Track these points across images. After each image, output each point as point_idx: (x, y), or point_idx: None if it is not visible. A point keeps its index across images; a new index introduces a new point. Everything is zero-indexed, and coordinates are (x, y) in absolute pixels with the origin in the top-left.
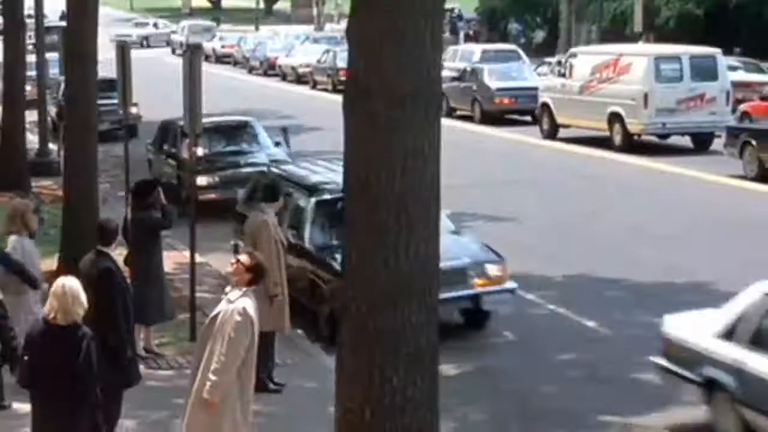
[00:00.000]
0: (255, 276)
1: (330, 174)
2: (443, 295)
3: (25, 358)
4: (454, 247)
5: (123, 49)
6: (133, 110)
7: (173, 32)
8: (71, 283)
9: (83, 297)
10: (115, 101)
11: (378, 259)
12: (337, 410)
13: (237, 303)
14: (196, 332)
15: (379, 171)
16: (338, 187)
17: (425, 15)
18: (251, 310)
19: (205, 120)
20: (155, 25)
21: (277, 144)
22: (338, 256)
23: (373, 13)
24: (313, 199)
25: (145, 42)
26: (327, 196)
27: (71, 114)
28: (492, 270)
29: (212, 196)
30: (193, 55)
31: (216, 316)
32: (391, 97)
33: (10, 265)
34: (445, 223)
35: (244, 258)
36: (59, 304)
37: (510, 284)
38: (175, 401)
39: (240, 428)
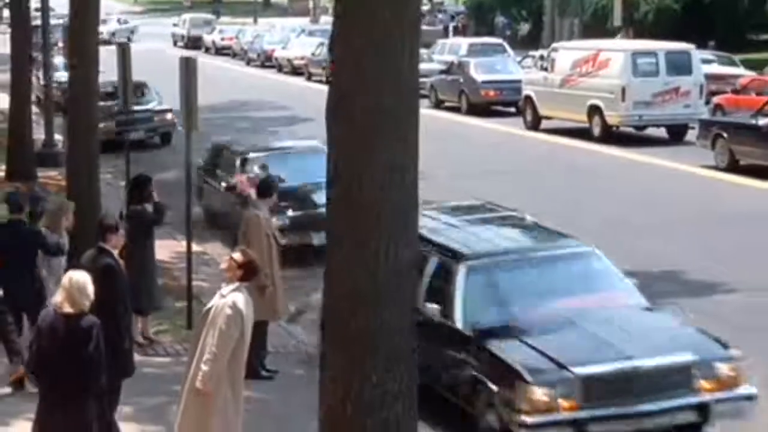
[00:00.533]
0: (246, 272)
1: (474, 230)
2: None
3: (34, 345)
4: (660, 334)
5: (124, 50)
6: (168, 116)
7: (175, 25)
8: (78, 276)
9: (90, 289)
10: (149, 107)
11: (360, 264)
12: (321, 405)
13: (228, 298)
14: (193, 320)
15: (360, 179)
16: (497, 249)
17: (403, 31)
18: (242, 304)
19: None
20: (119, 21)
21: None
22: (510, 343)
23: (354, 30)
24: (463, 265)
25: (112, 38)
26: (485, 261)
27: (73, 112)
28: (722, 369)
29: (282, 242)
30: (188, 59)
31: (210, 309)
32: (371, 109)
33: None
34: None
35: (236, 255)
36: (67, 295)
37: (746, 388)
38: (172, 387)
39: (231, 415)
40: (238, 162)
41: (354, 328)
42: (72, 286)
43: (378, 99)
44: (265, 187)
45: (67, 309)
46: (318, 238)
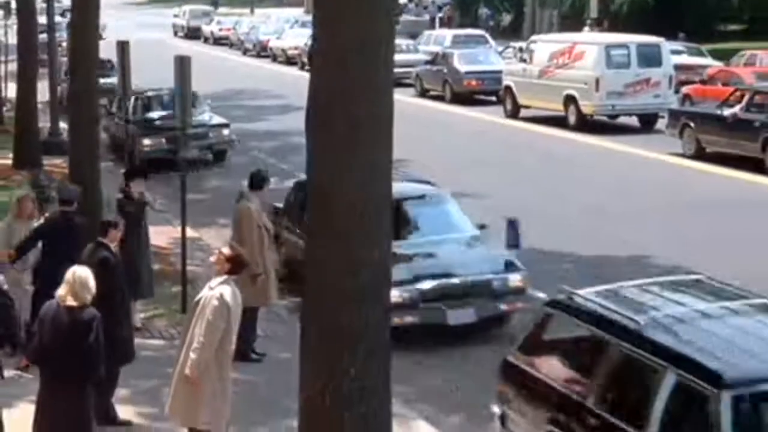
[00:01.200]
0: (234, 266)
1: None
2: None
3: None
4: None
5: (123, 48)
6: (225, 132)
7: (175, 16)
8: (80, 271)
9: (91, 283)
10: (203, 120)
11: (339, 264)
12: (301, 397)
13: (216, 290)
14: (188, 304)
15: (339, 184)
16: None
17: (379, 43)
18: (228, 297)
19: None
20: (62, 14)
21: (514, 246)
22: None
23: (331, 41)
24: (728, 395)
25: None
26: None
27: (75, 106)
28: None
29: (409, 319)
30: (183, 59)
31: (199, 300)
32: (348, 117)
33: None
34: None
35: (225, 250)
36: (70, 288)
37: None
38: (166, 370)
39: (218, 399)
40: None
41: (334, 325)
42: (75, 281)
43: (356, 107)
44: (259, 180)
45: (70, 302)
46: (454, 317)
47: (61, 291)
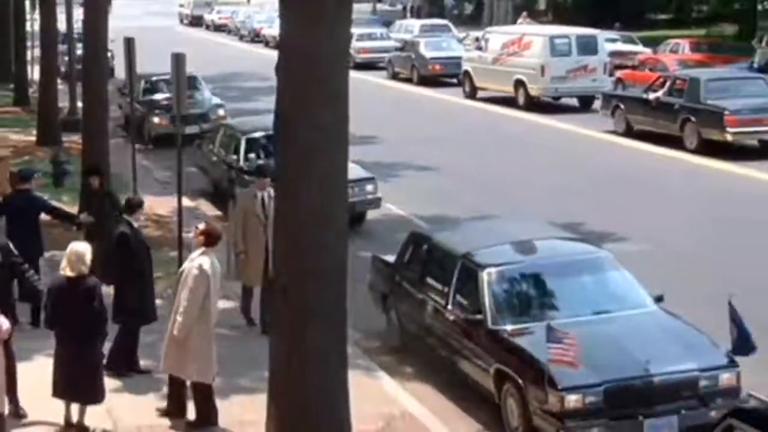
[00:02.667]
0: (207, 239)
1: None
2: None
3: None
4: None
5: (129, 43)
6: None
7: (181, 5)
8: (77, 246)
9: (87, 257)
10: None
11: (302, 249)
12: (270, 359)
13: (196, 261)
14: None
15: (302, 181)
16: None
17: (335, 59)
18: (206, 266)
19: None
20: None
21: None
22: None
23: (293, 59)
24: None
25: None
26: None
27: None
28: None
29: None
30: (178, 56)
31: (182, 271)
32: (310, 126)
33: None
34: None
35: (200, 225)
36: (67, 261)
37: None
38: (163, 327)
39: (204, 354)
40: (460, 268)
41: (297, 300)
42: (71, 254)
43: (317, 121)
44: (262, 171)
45: (69, 273)
46: (652, 429)
47: (62, 263)
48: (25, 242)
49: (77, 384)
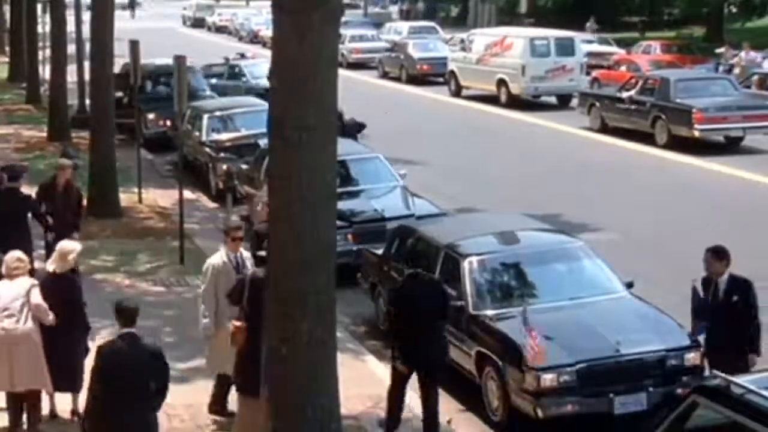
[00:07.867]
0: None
1: None
2: None
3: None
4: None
5: (134, 46)
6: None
7: (184, 8)
8: (63, 244)
9: (70, 256)
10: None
11: (292, 239)
12: (264, 346)
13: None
14: (185, 257)
15: (290, 178)
16: None
17: (320, 66)
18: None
19: None
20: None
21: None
22: None
23: (284, 66)
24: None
25: None
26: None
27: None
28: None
29: (567, 408)
30: (179, 58)
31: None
32: (298, 126)
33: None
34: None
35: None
36: (53, 258)
37: None
38: (164, 313)
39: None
40: (443, 257)
41: (289, 288)
42: (57, 252)
43: (305, 122)
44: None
45: (51, 269)
46: (622, 405)
47: (49, 261)
48: (14, 240)
49: (62, 374)
